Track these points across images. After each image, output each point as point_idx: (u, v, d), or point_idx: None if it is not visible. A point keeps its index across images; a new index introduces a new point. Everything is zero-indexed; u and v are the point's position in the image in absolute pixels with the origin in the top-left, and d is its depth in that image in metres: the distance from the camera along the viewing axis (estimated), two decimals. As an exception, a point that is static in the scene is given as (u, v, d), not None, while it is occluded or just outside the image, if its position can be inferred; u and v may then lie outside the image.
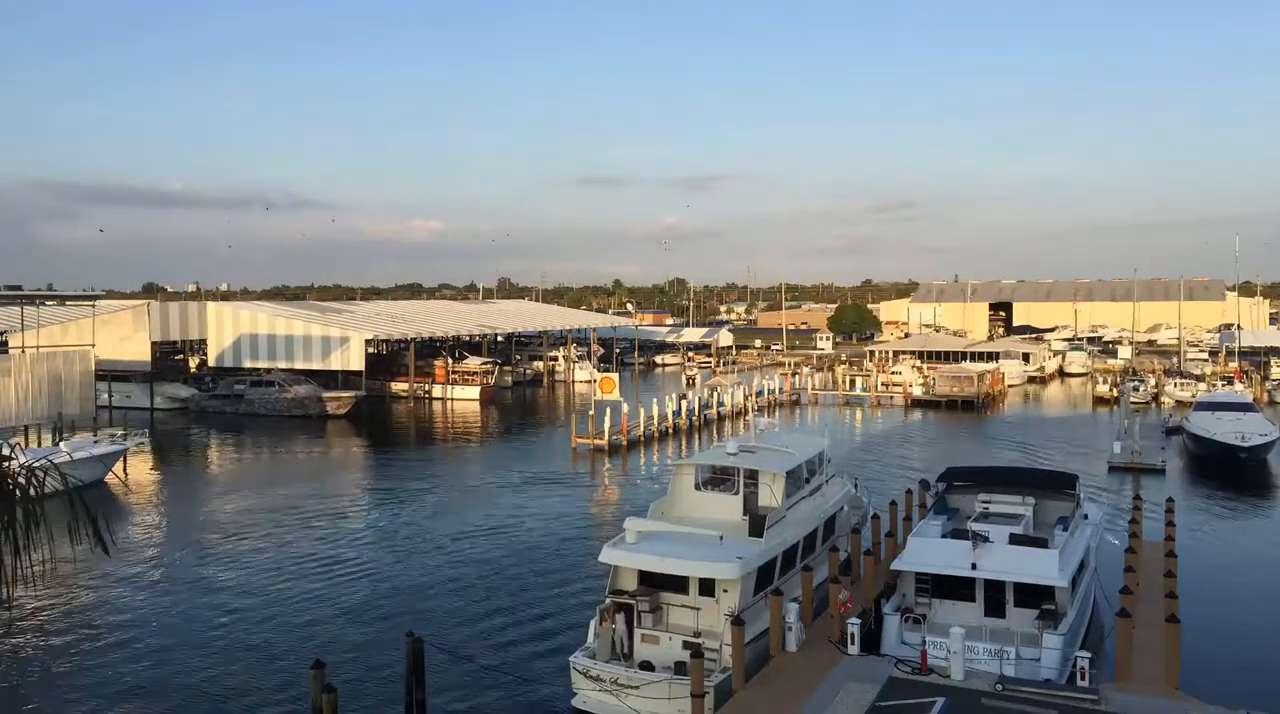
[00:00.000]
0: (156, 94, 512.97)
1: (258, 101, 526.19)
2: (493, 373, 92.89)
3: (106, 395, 68.91)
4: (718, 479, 26.24)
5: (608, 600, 22.14)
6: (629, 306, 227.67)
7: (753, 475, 25.65)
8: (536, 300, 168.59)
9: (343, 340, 79.95)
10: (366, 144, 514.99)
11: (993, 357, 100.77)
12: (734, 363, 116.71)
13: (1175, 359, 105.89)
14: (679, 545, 22.40)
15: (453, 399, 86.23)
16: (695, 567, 21.65)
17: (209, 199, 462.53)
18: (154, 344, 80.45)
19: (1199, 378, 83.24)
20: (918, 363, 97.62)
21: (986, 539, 22.60)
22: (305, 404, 74.88)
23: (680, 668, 20.17)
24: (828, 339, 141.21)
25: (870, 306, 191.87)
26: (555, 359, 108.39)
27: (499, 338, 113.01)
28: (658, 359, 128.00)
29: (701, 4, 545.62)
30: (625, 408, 60.49)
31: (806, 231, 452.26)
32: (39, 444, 48.90)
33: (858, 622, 21.44)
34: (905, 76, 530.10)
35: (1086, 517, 27.49)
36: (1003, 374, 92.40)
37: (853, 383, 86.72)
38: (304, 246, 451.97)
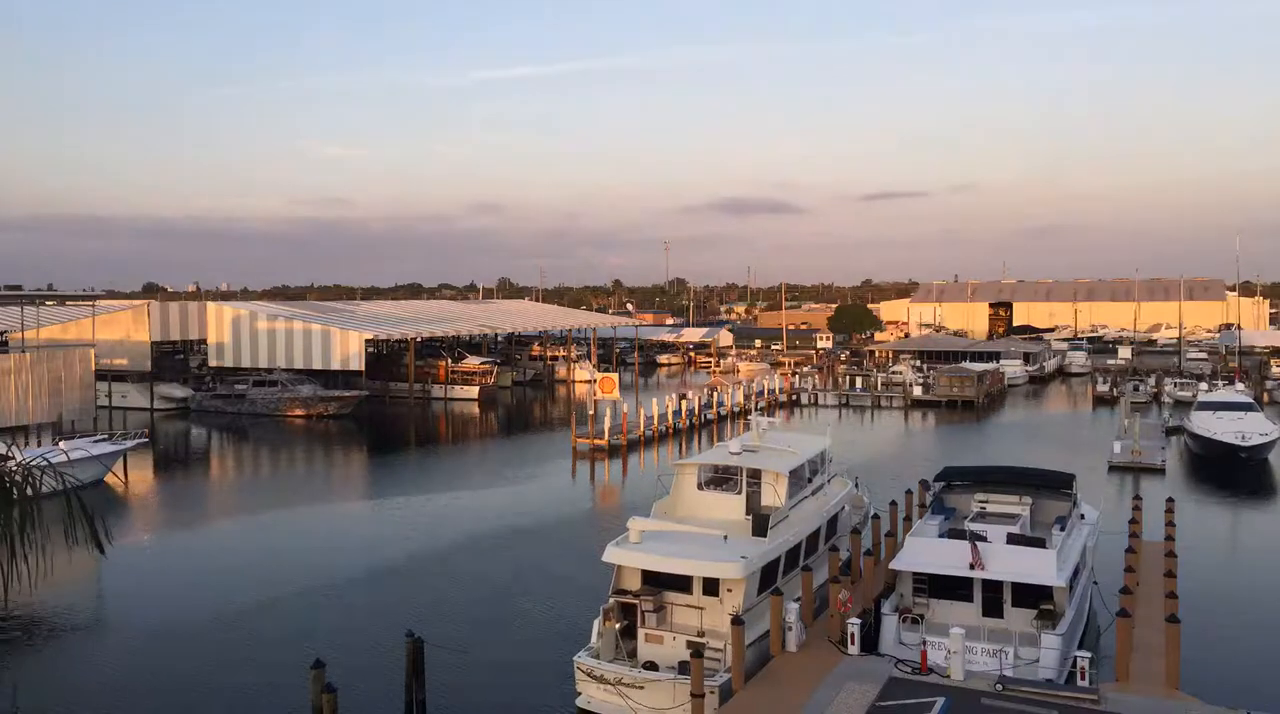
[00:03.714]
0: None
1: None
2: (492, 373, 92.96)
3: (105, 395, 68.87)
4: (720, 478, 26.24)
5: (611, 600, 22.15)
6: (629, 306, 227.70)
7: (755, 475, 25.64)
8: (536, 300, 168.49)
9: (343, 340, 79.96)
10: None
11: (993, 356, 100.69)
12: (748, 357, 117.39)
13: (1176, 359, 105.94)
14: (683, 545, 22.39)
15: (452, 399, 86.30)
16: (699, 566, 21.65)
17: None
18: (154, 344, 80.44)
19: (1199, 377, 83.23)
20: (917, 362, 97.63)
21: (984, 539, 22.63)
22: (307, 404, 74.95)
23: (685, 668, 20.14)
24: (828, 339, 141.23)
25: (870, 306, 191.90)
26: (555, 359, 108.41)
27: (499, 338, 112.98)
28: (659, 359, 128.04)
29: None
30: (625, 408, 60.52)
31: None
32: (38, 445, 48.89)
33: (858, 622, 21.45)
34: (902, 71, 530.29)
35: (1083, 516, 27.52)
36: (1003, 374, 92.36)
37: (853, 383, 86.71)
38: (304, 246, 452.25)
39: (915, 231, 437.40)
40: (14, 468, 13.88)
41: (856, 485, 31.72)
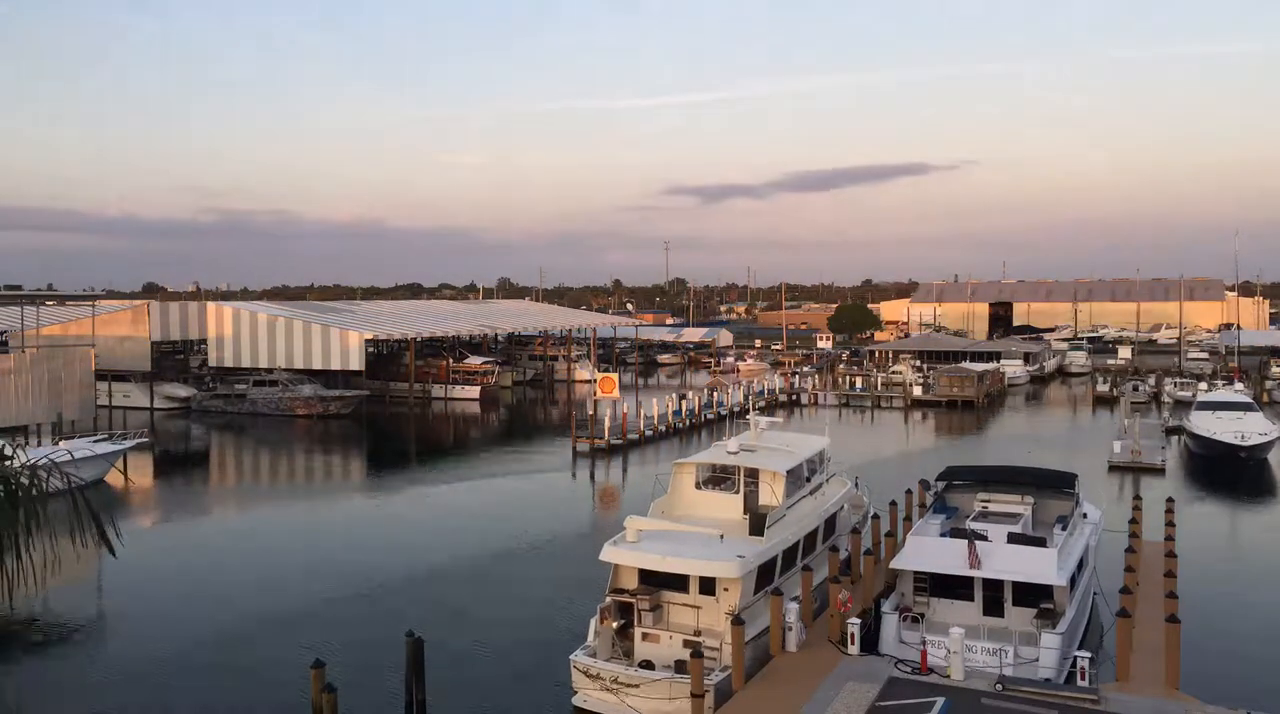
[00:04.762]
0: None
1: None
2: (494, 373, 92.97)
3: (106, 395, 68.91)
4: (718, 478, 26.24)
5: (608, 599, 22.14)
6: (629, 306, 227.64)
7: (753, 474, 25.64)
8: (537, 300, 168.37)
9: (343, 340, 79.98)
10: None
11: (993, 356, 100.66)
12: (747, 357, 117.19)
13: (1176, 359, 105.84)
14: (680, 544, 22.39)
15: (453, 399, 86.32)
16: (696, 565, 21.63)
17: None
18: (154, 344, 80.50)
19: (1199, 377, 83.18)
20: (917, 362, 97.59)
21: (985, 538, 22.61)
22: (307, 404, 74.97)
23: (681, 667, 20.15)
24: (828, 339, 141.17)
25: (870, 306, 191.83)
26: (555, 358, 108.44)
27: (499, 338, 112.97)
28: (659, 359, 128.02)
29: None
30: (625, 408, 60.52)
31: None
32: (39, 444, 48.90)
33: (858, 621, 21.45)
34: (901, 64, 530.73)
35: (1085, 516, 27.51)
36: (1003, 374, 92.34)
37: (853, 383, 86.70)
38: (304, 246, 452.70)
39: (915, 214, 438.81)
40: (19, 468, 13.86)
41: (856, 485, 31.70)
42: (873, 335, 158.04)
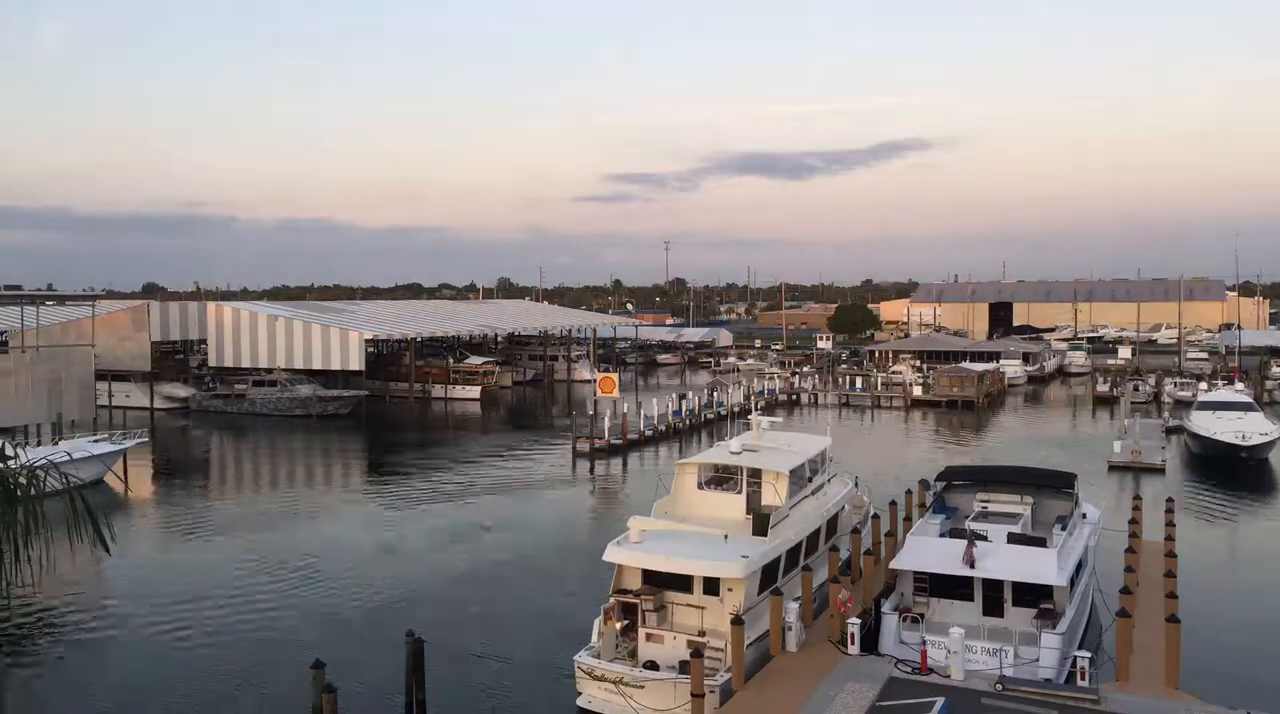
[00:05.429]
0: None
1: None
2: (494, 373, 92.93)
3: (106, 395, 68.91)
4: (721, 478, 26.25)
5: (612, 600, 22.14)
6: (629, 306, 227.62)
7: (756, 474, 25.64)
8: (537, 300, 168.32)
9: (342, 340, 79.97)
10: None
11: (993, 356, 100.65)
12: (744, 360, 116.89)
13: (1176, 359, 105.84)
14: (684, 544, 22.38)
15: (453, 399, 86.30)
16: (700, 566, 21.62)
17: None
18: (154, 344, 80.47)
19: (1199, 377, 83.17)
20: (917, 362, 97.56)
21: (985, 538, 22.62)
22: (307, 404, 74.97)
23: (685, 668, 20.13)
24: (828, 339, 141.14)
25: (870, 306, 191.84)
26: (555, 358, 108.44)
27: (499, 338, 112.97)
28: (659, 359, 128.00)
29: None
30: (625, 408, 60.52)
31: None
32: (38, 444, 48.91)
33: (858, 622, 21.45)
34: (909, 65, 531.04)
35: (1085, 516, 27.52)
36: (1003, 374, 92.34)
37: (853, 383, 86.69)
38: (305, 246, 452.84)
39: (913, 209, 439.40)
40: (18, 468, 13.84)
41: (856, 485, 31.71)
42: (873, 335, 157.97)
